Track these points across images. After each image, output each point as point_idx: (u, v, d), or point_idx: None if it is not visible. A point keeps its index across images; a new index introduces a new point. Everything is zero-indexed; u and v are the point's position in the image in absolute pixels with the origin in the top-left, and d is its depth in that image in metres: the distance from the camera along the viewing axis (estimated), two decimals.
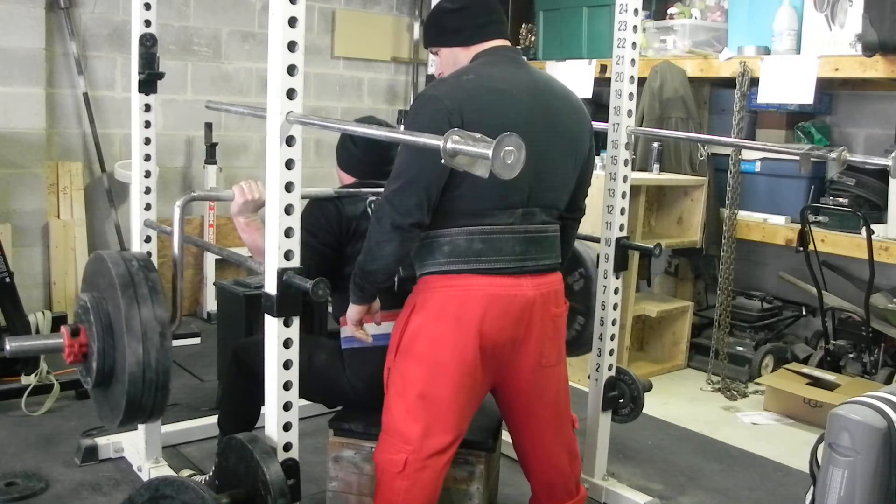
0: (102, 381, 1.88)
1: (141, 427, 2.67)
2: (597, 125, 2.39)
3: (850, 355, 3.82)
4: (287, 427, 1.79)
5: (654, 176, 4.09)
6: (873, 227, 3.53)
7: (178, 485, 1.70)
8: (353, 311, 2.07)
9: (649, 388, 2.82)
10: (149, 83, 2.53)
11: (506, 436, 2.39)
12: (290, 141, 1.70)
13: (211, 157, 4.54)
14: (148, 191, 2.58)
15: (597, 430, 2.70)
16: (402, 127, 2.38)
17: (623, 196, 2.59)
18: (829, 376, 3.66)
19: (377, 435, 2.06)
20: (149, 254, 2.57)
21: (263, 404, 1.82)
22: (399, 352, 2.01)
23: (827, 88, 4.13)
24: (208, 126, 4.51)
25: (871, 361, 3.70)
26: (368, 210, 2.23)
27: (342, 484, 2.30)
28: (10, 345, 1.89)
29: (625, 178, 2.59)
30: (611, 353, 2.65)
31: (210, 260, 4.71)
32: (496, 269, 1.97)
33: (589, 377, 2.71)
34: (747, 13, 4.03)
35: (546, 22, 4.94)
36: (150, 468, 2.69)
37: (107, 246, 4.50)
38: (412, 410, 1.98)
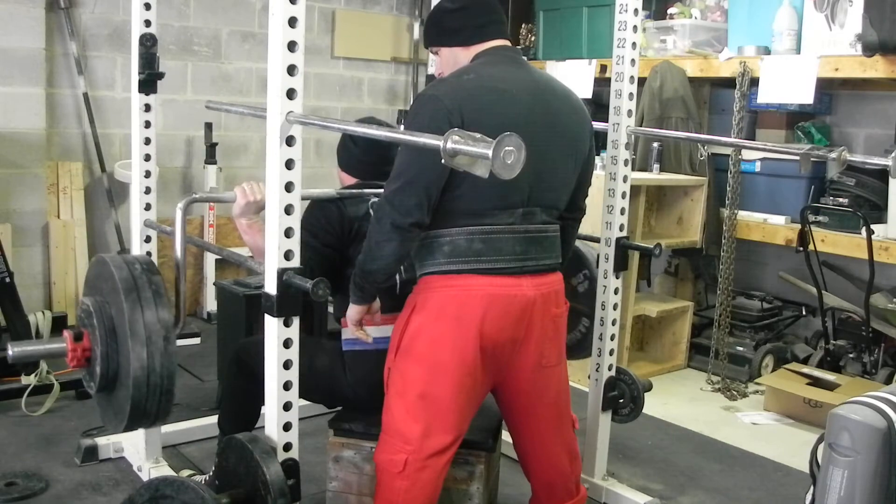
0: (106, 386, 1.87)
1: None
2: (597, 125, 2.39)
3: (850, 355, 3.82)
4: (287, 427, 1.79)
5: (654, 176, 4.09)
6: (873, 227, 3.53)
7: (178, 485, 1.70)
8: (353, 311, 2.07)
9: (649, 388, 2.82)
10: (149, 83, 2.53)
11: (506, 436, 2.39)
12: (290, 141, 1.70)
13: (211, 157, 4.54)
14: (148, 191, 2.58)
15: (597, 430, 2.70)
16: (402, 127, 2.37)
17: (623, 196, 2.59)
18: (829, 376, 3.66)
19: (377, 435, 2.06)
20: (149, 254, 2.57)
21: (263, 404, 1.82)
22: (399, 352, 2.01)
23: (827, 88, 4.13)
24: (208, 126, 4.51)
25: (871, 361, 3.70)
26: (370, 211, 2.23)
27: (342, 484, 2.30)
28: (13, 350, 1.88)
29: (625, 178, 2.59)
30: (611, 353, 2.65)
31: (210, 260, 4.71)
32: (496, 269, 1.97)
33: (589, 377, 2.71)
34: (747, 13, 4.03)
35: (546, 22, 4.94)
36: (150, 468, 2.69)
37: (107, 246, 4.50)
38: (412, 410, 1.98)
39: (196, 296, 4.74)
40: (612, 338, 2.64)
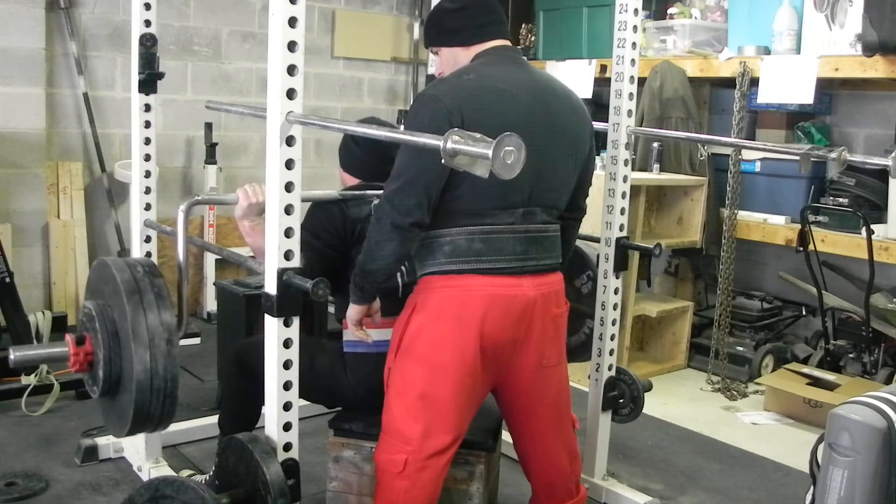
0: (109, 390, 1.87)
1: None
2: (597, 125, 2.38)
3: (850, 355, 3.82)
4: (287, 427, 1.79)
5: (654, 176, 4.09)
6: (873, 227, 3.53)
7: (178, 485, 1.70)
8: (353, 310, 2.07)
9: (649, 388, 2.82)
10: (149, 83, 2.53)
11: (506, 436, 2.39)
12: (290, 141, 1.70)
13: (211, 157, 4.54)
14: (148, 191, 2.58)
15: (597, 430, 2.70)
16: (402, 127, 2.37)
17: (623, 196, 2.59)
18: (829, 376, 3.66)
19: (377, 435, 2.06)
20: (149, 254, 2.57)
21: (263, 404, 1.82)
22: (399, 352, 2.01)
23: (827, 88, 4.13)
24: (208, 126, 4.51)
25: (871, 361, 3.70)
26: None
27: (342, 484, 2.30)
28: (15, 354, 1.87)
29: (625, 178, 2.59)
30: (611, 353, 2.65)
31: (210, 260, 4.71)
32: (497, 269, 1.97)
33: (589, 377, 2.71)
34: (747, 13, 4.03)
35: (546, 22, 4.94)
36: (150, 468, 2.69)
37: (107, 246, 4.50)
38: (412, 410, 1.98)
39: (196, 296, 4.74)
40: (613, 338, 2.64)
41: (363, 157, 2.42)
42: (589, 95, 4.40)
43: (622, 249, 2.59)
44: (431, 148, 1.36)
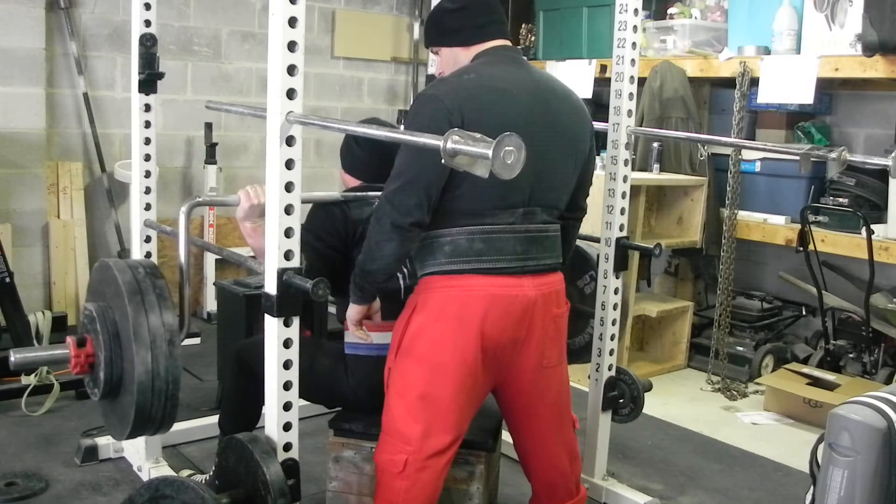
0: (110, 392, 1.87)
1: None
2: (597, 125, 2.38)
3: (850, 355, 3.82)
4: (287, 427, 1.79)
5: (654, 176, 4.09)
6: (873, 227, 3.53)
7: (178, 485, 1.70)
8: (353, 310, 2.07)
9: (649, 388, 2.82)
10: (149, 83, 2.53)
11: (506, 436, 2.39)
12: (290, 141, 1.70)
13: (211, 157, 4.54)
14: (148, 191, 2.58)
15: (597, 430, 2.70)
16: (402, 127, 2.37)
17: (623, 196, 2.59)
18: (829, 376, 3.66)
19: (377, 435, 2.06)
20: (148, 254, 2.57)
21: (264, 404, 1.82)
22: (400, 352, 2.01)
23: (827, 88, 4.13)
24: (208, 126, 4.51)
25: (871, 361, 3.70)
26: None
27: (342, 484, 2.30)
28: (15, 356, 1.86)
29: (625, 178, 2.59)
30: (611, 353, 2.65)
31: (210, 260, 4.71)
32: (497, 269, 1.97)
33: (589, 377, 2.71)
34: (747, 13, 4.03)
35: (546, 22, 4.94)
36: (150, 468, 2.69)
37: (107, 246, 4.50)
38: (412, 411, 1.98)
39: (196, 296, 4.74)
40: (612, 338, 2.64)
41: (364, 158, 2.42)
42: (589, 95, 4.40)
43: (622, 249, 2.59)
44: (431, 148, 1.36)
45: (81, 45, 4.29)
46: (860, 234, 3.59)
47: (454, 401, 1.98)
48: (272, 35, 1.66)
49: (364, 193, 2.31)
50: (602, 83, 4.34)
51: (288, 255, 1.73)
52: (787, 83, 3.71)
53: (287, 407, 1.79)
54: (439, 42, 2.14)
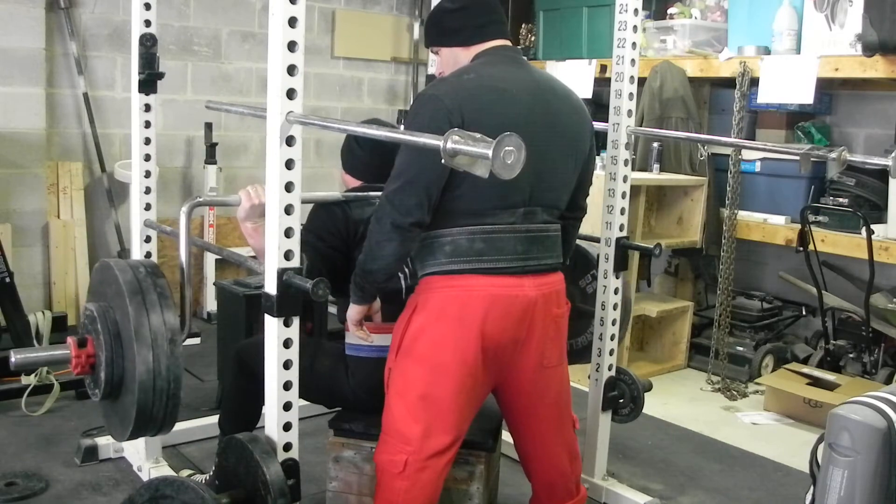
0: (111, 392, 1.86)
1: None
2: (597, 125, 2.38)
3: (850, 355, 3.82)
4: (287, 427, 1.79)
5: (654, 176, 4.09)
6: (873, 227, 3.53)
7: (178, 485, 1.70)
8: (354, 310, 2.07)
9: (649, 388, 2.82)
10: (149, 83, 2.53)
11: (506, 436, 2.39)
12: (290, 141, 1.69)
13: (211, 157, 4.54)
14: (148, 191, 2.58)
15: (597, 430, 2.70)
16: (402, 127, 2.37)
17: (623, 196, 2.59)
18: (829, 376, 3.66)
19: (377, 435, 2.06)
20: (149, 254, 2.58)
21: (264, 404, 1.82)
22: (400, 352, 2.01)
23: (827, 88, 4.13)
24: (208, 126, 4.51)
25: (871, 361, 3.70)
26: None
27: (342, 484, 2.30)
28: (16, 357, 1.86)
29: (625, 178, 2.59)
30: (611, 353, 2.65)
31: (210, 260, 4.71)
32: (498, 269, 1.97)
33: (589, 377, 2.71)
34: (747, 13, 4.03)
35: (546, 22, 4.94)
36: (150, 468, 2.69)
37: (107, 246, 4.50)
38: (413, 411, 1.98)
39: (196, 296, 4.74)
40: (613, 338, 2.64)
41: (365, 158, 2.42)
42: (589, 95, 4.40)
43: (622, 249, 2.59)
44: (431, 148, 1.36)
45: (81, 45, 4.29)
46: (860, 234, 3.59)
47: (454, 401, 1.98)
48: (272, 35, 1.66)
49: (365, 193, 2.31)
50: (602, 83, 4.34)
51: (288, 255, 1.73)
52: (787, 83, 3.71)
53: (287, 407, 1.79)
54: (439, 42, 2.14)
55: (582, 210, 2.27)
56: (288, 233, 1.72)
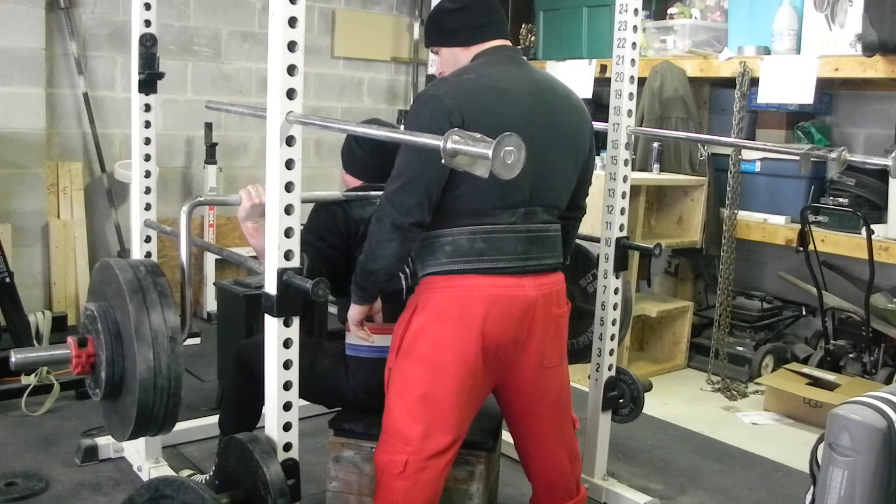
0: (112, 392, 1.86)
1: None
2: (597, 125, 2.39)
3: (850, 355, 3.82)
4: (287, 427, 1.79)
5: (654, 176, 4.09)
6: (873, 227, 3.53)
7: (178, 485, 1.70)
8: (355, 311, 2.07)
9: (649, 388, 2.82)
10: (149, 83, 2.53)
11: (506, 436, 2.39)
12: (290, 141, 1.69)
13: (211, 157, 4.54)
14: (148, 191, 2.58)
15: (597, 430, 2.70)
16: (402, 127, 2.37)
17: (623, 196, 2.59)
18: (829, 376, 3.66)
19: (377, 435, 2.06)
20: (149, 254, 2.58)
21: (264, 404, 1.81)
22: (400, 352, 2.01)
23: (827, 88, 4.13)
24: (208, 126, 4.51)
25: (871, 361, 3.70)
26: None
27: (342, 484, 2.30)
28: (16, 357, 1.86)
29: (625, 178, 2.59)
30: (611, 353, 2.65)
31: (210, 260, 4.71)
32: (498, 269, 1.97)
33: (589, 377, 2.71)
34: (747, 13, 4.03)
35: (546, 22, 4.94)
36: (150, 468, 2.69)
37: (107, 246, 4.50)
38: (413, 411, 1.98)
39: (196, 296, 4.74)
40: (613, 338, 2.64)
41: (365, 158, 2.42)
42: (589, 95, 4.40)
43: (622, 249, 2.59)
44: (431, 148, 1.36)
45: (81, 45, 4.29)
46: (860, 234, 3.59)
47: (455, 401, 1.98)
48: (272, 35, 1.66)
49: (366, 193, 2.31)
50: (602, 83, 4.34)
51: (288, 255, 1.73)
52: (787, 83, 3.71)
53: (287, 407, 1.79)
54: (439, 42, 2.14)
55: (581, 210, 2.27)
56: (288, 233, 1.72)
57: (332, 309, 2.58)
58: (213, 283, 4.34)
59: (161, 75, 2.55)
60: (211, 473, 2.43)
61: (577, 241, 2.51)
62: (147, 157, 2.58)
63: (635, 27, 2.52)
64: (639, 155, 4.15)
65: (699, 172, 4.16)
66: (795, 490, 2.92)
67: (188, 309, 2.08)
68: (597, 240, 2.63)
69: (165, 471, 2.68)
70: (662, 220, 4.34)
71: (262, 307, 1.75)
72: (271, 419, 1.79)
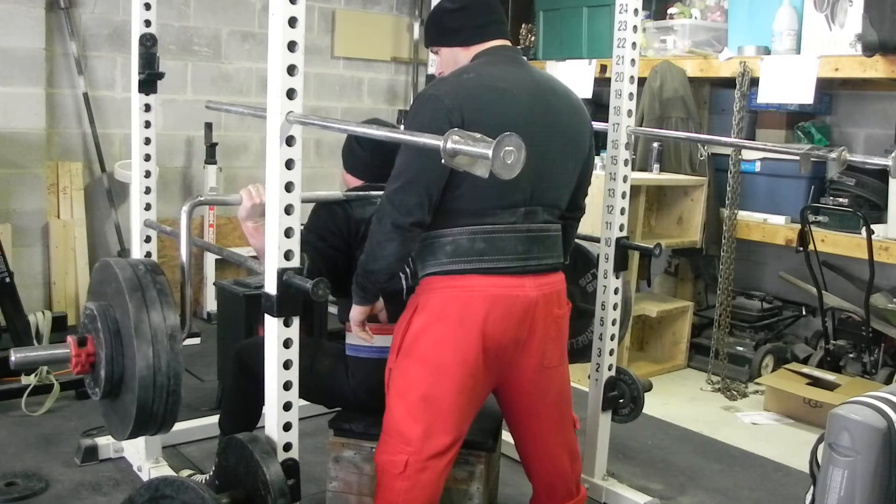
0: (111, 391, 1.86)
1: None
2: (597, 125, 2.39)
3: (850, 355, 3.82)
4: (287, 427, 1.79)
5: (654, 176, 4.09)
6: (873, 227, 3.53)
7: (178, 485, 1.70)
8: (356, 311, 2.07)
9: (649, 388, 2.82)
10: (149, 83, 2.53)
11: (506, 436, 2.39)
12: (290, 141, 1.70)
13: (211, 157, 4.54)
14: (148, 191, 2.58)
15: (597, 430, 2.70)
16: (402, 127, 2.37)
17: (623, 196, 2.59)
18: (829, 376, 3.66)
19: (377, 435, 2.06)
20: (149, 254, 2.58)
21: (264, 404, 1.81)
22: (401, 353, 2.01)
23: (827, 88, 4.13)
24: (208, 126, 4.51)
25: (871, 361, 3.70)
26: None
27: (342, 484, 2.30)
28: (16, 356, 1.86)
29: (625, 178, 2.59)
30: (611, 353, 2.65)
31: (210, 260, 4.71)
32: (499, 269, 1.97)
33: (589, 377, 2.71)
34: (747, 13, 4.03)
35: (546, 22, 4.94)
36: (150, 468, 2.69)
37: (107, 246, 4.50)
38: (413, 411, 1.98)
39: (196, 296, 4.74)
40: (613, 338, 2.64)
41: (366, 158, 2.42)
42: (589, 95, 4.40)
43: (622, 249, 2.59)
44: (431, 148, 1.36)
45: (81, 45, 4.29)
46: (860, 234, 3.59)
47: (455, 401, 1.98)
48: (272, 35, 1.66)
49: (366, 193, 2.31)
50: (602, 83, 4.34)
51: (288, 255, 1.73)
52: (787, 83, 3.71)
53: (287, 407, 1.79)
54: (439, 42, 2.14)
55: (581, 210, 2.27)
56: (288, 233, 1.72)
57: (332, 309, 2.58)
58: (213, 283, 4.34)
59: (161, 75, 2.55)
60: (211, 473, 2.43)
61: (577, 240, 2.52)
62: (147, 157, 2.58)
63: (635, 27, 2.52)
64: (639, 155, 4.15)
65: (699, 172, 4.16)
66: (795, 490, 2.92)
67: (188, 309, 2.08)
68: (597, 240, 2.63)
69: (165, 471, 2.68)
70: (662, 220, 4.34)
71: (262, 307, 1.75)
72: (271, 419, 1.79)
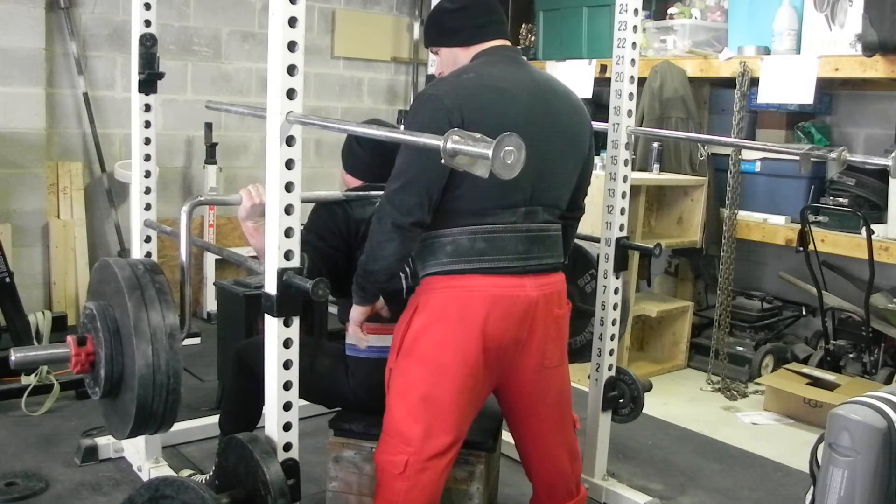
0: (111, 390, 1.87)
1: None
2: (597, 125, 2.39)
3: (850, 355, 3.82)
4: (287, 427, 1.79)
5: (654, 176, 4.09)
6: (873, 227, 3.53)
7: (178, 485, 1.70)
8: (356, 311, 2.07)
9: (649, 388, 2.82)
10: (149, 83, 2.53)
11: (506, 436, 2.39)
12: (290, 141, 1.70)
13: (211, 157, 4.54)
14: (148, 191, 2.58)
15: (597, 430, 2.70)
16: (402, 127, 2.37)
17: (623, 196, 2.59)
18: (829, 376, 3.66)
19: (377, 435, 2.06)
20: (148, 254, 2.58)
21: (264, 404, 1.81)
22: (401, 353, 2.01)
23: (827, 88, 4.13)
24: (208, 126, 4.51)
25: (871, 361, 3.70)
26: None
27: (342, 484, 2.30)
28: (16, 355, 1.86)
29: (625, 178, 2.59)
30: (611, 353, 2.65)
31: (210, 260, 4.71)
32: (499, 269, 1.97)
33: (589, 377, 2.71)
34: (747, 13, 4.03)
35: (546, 22, 4.94)
36: (150, 468, 2.69)
37: (107, 246, 4.50)
38: (413, 411, 1.98)
39: (196, 296, 4.74)
40: (613, 338, 2.64)
41: (366, 158, 2.42)
42: (589, 95, 4.40)
43: (622, 249, 2.59)
44: (431, 148, 1.36)
45: (81, 45, 4.29)
46: (860, 234, 3.59)
47: (455, 402, 1.98)
48: (272, 35, 1.66)
49: (366, 193, 2.31)
50: (602, 83, 4.34)
51: (288, 255, 1.73)
52: (787, 83, 3.71)
53: (287, 407, 1.79)
54: (439, 42, 2.14)
55: (580, 210, 2.27)
56: (288, 233, 1.72)
57: (332, 309, 2.58)
58: (213, 283, 4.34)
59: (161, 75, 2.55)
60: (211, 473, 2.43)
61: (576, 241, 2.51)
62: (147, 157, 2.58)
63: (635, 27, 2.52)
64: (639, 155, 4.15)
65: (699, 172, 4.16)
66: (795, 490, 2.92)
67: (188, 308, 2.08)
68: (597, 240, 2.63)
69: (165, 471, 2.68)
70: (662, 220, 4.34)
71: (262, 307, 1.75)
72: (271, 419, 1.79)
